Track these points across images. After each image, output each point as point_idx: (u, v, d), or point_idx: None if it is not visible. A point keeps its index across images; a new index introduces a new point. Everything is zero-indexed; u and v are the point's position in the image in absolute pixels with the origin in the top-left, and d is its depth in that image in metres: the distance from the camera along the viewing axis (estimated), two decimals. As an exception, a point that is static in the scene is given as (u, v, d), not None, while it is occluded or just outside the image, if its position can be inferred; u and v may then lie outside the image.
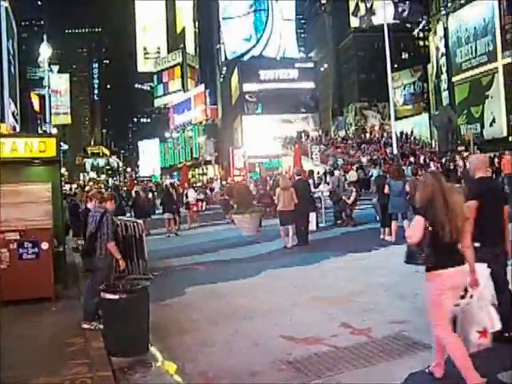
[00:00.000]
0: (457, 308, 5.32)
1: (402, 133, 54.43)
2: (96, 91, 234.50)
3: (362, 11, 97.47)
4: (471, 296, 5.28)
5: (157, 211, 24.52)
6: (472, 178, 6.44)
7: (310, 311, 8.21)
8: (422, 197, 5.34)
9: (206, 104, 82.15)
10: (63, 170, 60.19)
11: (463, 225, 5.21)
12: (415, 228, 5.20)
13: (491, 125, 57.22)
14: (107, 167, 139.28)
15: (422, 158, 41.48)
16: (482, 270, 5.48)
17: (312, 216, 17.00)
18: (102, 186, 46.64)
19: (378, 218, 16.54)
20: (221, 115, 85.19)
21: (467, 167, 22.64)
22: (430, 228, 5.10)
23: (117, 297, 6.49)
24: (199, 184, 50.79)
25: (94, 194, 9.93)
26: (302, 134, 50.53)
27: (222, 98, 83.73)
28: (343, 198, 18.90)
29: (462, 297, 5.28)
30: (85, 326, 7.64)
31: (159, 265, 13.07)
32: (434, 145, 54.76)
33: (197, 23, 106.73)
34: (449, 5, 70.30)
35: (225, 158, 66.26)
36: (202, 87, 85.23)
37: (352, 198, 18.88)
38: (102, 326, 7.35)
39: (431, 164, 36.30)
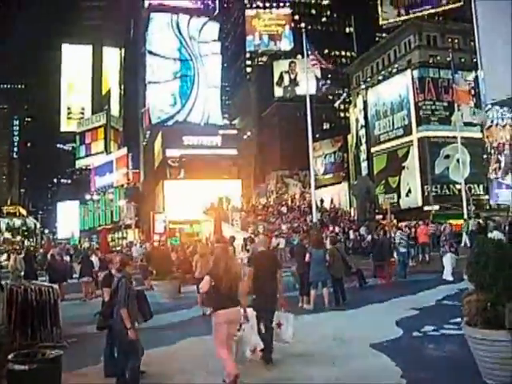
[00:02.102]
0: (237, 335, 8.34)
1: (322, 201, 55.51)
2: (16, 149, 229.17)
3: (286, 82, 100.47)
4: (240, 327, 8.22)
5: (75, 275, 23.83)
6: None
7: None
8: (212, 262, 8.29)
9: (129, 167, 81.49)
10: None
11: (238, 281, 7.91)
12: (204, 283, 7.86)
13: (407, 195, 59.24)
14: (23, 228, 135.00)
15: (341, 226, 42.19)
16: (252, 312, 8.75)
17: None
18: (17, 247, 45.20)
19: (296, 286, 16.71)
20: (143, 179, 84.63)
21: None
22: (213, 283, 7.75)
23: (25, 367, 6.18)
24: (118, 248, 49.79)
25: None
26: (224, 201, 50.68)
27: (145, 161, 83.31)
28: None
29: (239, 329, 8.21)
30: None
31: (74, 331, 12.66)
32: (352, 213, 55.90)
33: (122, 86, 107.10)
34: (368, 80, 73.62)
35: (145, 223, 65.50)
36: (124, 150, 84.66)
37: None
38: None
39: (350, 232, 36.97)
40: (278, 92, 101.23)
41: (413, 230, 30.32)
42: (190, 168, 61.14)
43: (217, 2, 76.68)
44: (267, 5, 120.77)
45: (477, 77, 52.36)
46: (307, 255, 14.97)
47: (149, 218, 58.62)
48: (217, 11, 76.56)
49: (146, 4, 73.14)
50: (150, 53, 72.33)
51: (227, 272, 7.78)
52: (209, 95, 72.33)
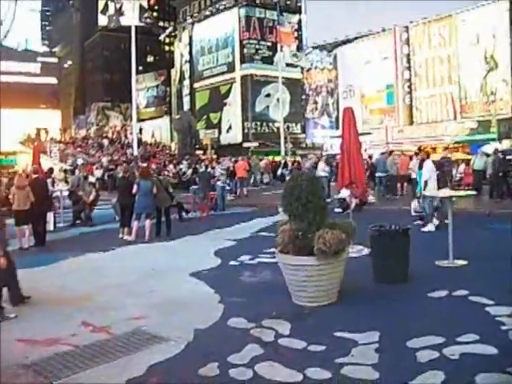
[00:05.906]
0: None
1: (140, 130, 55.05)
2: None
3: (111, 10, 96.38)
4: None
5: None
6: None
7: (47, 312, 8.07)
8: None
9: None
10: None
11: None
12: None
13: (228, 131, 60.61)
14: None
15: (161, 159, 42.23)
16: None
17: (50, 216, 16.64)
18: None
19: (116, 218, 16.81)
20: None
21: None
22: None
23: None
24: None
25: None
26: (42, 132, 48.68)
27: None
28: (83, 197, 18.77)
29: None
30: None
31: None
32: (173, 148, 56.15)
33: None
34: (195, 15, 73.05)
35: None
36: None
37: (91, 198, 18.84)
38: None
39: (170, 166, 37.14)
40: (103, 21, 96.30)
41: (231, 165, 31.23)
42: (5, 96, 57.70)
43: None
44: None
45: (300, 20, 54.12)
46: (135, 186, 14.94)
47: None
48: None
49: None
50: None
51: None
52: (28, 19, 68.07)
